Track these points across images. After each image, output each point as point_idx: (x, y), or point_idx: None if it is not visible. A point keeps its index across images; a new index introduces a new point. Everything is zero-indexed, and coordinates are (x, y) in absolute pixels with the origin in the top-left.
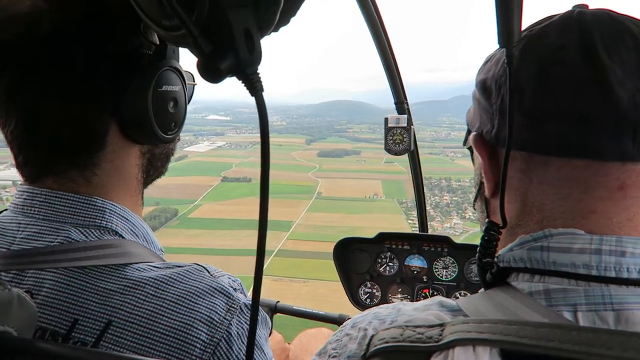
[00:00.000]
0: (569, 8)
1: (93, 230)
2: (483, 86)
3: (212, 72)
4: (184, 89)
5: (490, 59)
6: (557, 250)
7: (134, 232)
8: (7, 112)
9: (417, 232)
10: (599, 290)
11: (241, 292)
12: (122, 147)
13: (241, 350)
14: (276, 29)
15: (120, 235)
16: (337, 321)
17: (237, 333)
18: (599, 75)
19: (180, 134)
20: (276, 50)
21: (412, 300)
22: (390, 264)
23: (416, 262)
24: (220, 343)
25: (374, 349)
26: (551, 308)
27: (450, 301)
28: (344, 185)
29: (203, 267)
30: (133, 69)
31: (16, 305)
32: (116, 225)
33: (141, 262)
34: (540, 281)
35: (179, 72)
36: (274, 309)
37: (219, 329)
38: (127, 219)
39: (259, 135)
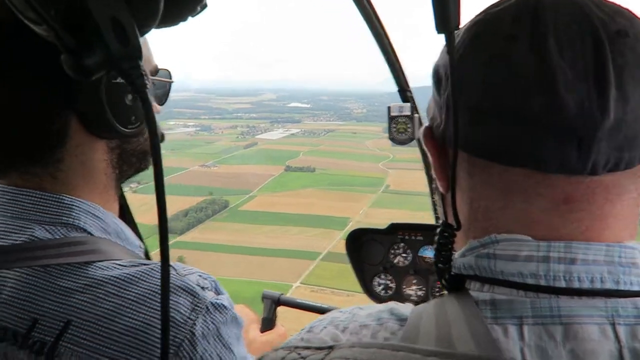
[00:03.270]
0: None
1: (59, 228)
2: (435, 74)
3: (77, 70)
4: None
5: None
6: (504, 258)
7: (105, 229)
8: None
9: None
10: (547, 302)
11: (211, 291)
12: (86, 142)
13: (206, 350)
14: (182, 18)
15: (89, 233)
16: None
17: (202, 333)
18: (545, 75)
19: (256, 121)
20: (362, 36)
21: (426, 293)
22: (404, 255)
23: (430, 253)
24: (183, 344)
25: None
26: (496, 320)
27: (404, 309)
28: (414, 178)
29: (170, 265)
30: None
31: None
32: (84, 223)
33: (106, 260)
34: (489, 291)
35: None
36: (277, 302)
37: (181, 329)
38: (96, 215)
39: (335, 122)
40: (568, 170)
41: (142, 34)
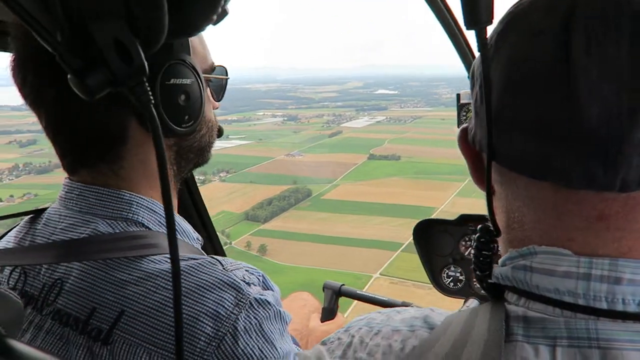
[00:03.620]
0: None
1: (120, 222)
2: (472, 74)
3: (82, 90)
4: (198, 83)
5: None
6: (540, 272)
7: (162, 223)
8: (38, 109)
9: None
10: (583, 323)
11: (257, 286)
12: (145, 141)
13: (248, 344)
14: (199, 28)
15: (147, 227)
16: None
17: (245, 328)
18: (564, 76)
19: (342, 110)
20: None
21: None
22: None
23: None
24: (226, 337)
25: None
26: (528, 339)
27: (437, 317)
28: None
29: (217, 260)
30: None
31: None
32: (142, 217)
33: (159, 255)
34: (524, 305)
35: (190, 66)
36: (338, 292)
37: (224, 323)
38: (154, 210)
39: (423, 109)
40: (596, 187)
41: (150, 50)
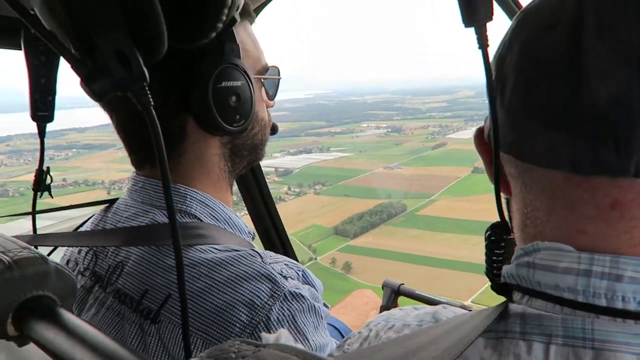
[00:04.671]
0: None
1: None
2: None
3: (89, 92)
4: (248, 84)
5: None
6: (542, 269)
7: (214, 216)
8: (110, 111)
9: None
10: (580, 321)
11: (296, 280)
12: (201, 139)
13: None
14: (201, 38)
15: (199, 219)
16: None
17: (277, 318)
18: (576, 61)
19: (449, 120)
20: None
21: None
22: None
23: None
24: (259, 326)
25: None
26: (524, 335)
27: (447, 313)
28: None
29: (257, 252)
30: (195, 69)
31: (54, 276)
32: (195, 210)
33: (206, 245)
34: (526, 303)
35: (240, 69)
36: (397, 291)
37: (259, 313)
38: (206, 204)
39: None
40: (610, 172)
41: (154, 58)
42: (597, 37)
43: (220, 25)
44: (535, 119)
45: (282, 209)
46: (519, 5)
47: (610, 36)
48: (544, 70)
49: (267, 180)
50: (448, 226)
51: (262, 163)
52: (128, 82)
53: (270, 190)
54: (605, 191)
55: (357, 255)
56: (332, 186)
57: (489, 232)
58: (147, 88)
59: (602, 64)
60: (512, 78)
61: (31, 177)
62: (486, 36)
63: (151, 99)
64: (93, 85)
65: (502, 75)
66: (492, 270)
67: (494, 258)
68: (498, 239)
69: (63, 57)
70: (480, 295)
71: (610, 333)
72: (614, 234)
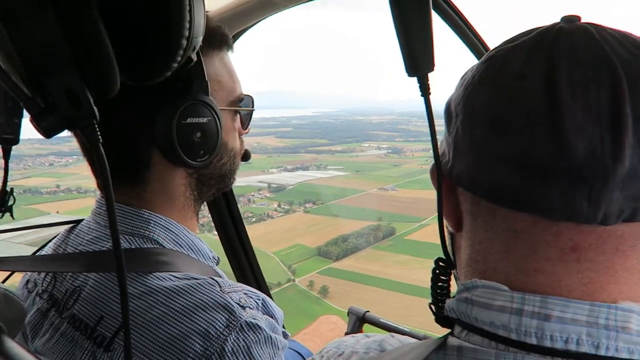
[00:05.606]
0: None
1: (137, 239)
2: (447, 110)
3: (39, 130)
4: (215, 119)
5: (464, 75)
6: (479, 305)
7: (177, 242)
8: (78, 136)
9: None
10: (511, 357)
11: (254, 309)
12: (167, 169)
13: None
14: (163, 71)
15: (161, 245)
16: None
17: (232, 350)
18: (553, 116)
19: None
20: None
21: None
22: None
23: None
24: (213, 357)
25: None
26: None
27: (393, 343)
28: None
29: (216, 281)
30: (161, 105)
31: (2, 302)
32: (158, 235)
33: (166, 272)
34: (464, 337)
35: (207, 105)
36: (362, 319)
37: (213, 343)
38: (169, 229)
39: None
40: (578, 220)
41: (107, 96)
42: (571, 97)
43: (175, 65)
44: (508, 163)
45: (268, 227)
46: (482, 42)
47: (582, 98)
48: (520, 120)
49: (259, 196)
50: (436, 252)
51: (256, 178)
52: (77, 120)
53: (259, 207)
54: (568, 235)
55: (337, 279)
56: (322, 205)
57: (434, 267)
58: (96, 125)
59: (577, 121)
60: (484, 120)
61: None
62: (428, 85)
63: (100, 137)
64: (42, 124)
65: (470, 115)
66: (437, 302)
67: (439, 291)
68: (443, 273)
69: (14, 95)
70: None
71: None
72: (567, 274)
